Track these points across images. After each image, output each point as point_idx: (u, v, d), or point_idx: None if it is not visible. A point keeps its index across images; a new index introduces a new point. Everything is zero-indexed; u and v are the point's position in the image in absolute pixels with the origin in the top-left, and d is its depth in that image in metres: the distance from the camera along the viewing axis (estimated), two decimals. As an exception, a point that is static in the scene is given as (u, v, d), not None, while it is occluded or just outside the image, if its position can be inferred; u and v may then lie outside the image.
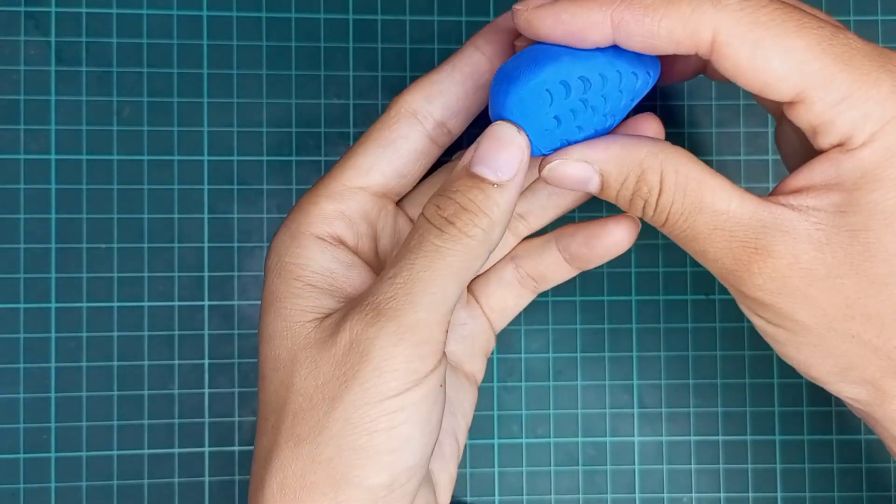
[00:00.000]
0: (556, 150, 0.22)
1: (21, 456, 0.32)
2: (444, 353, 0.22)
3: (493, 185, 0.21)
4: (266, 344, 0.23)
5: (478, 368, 0.28)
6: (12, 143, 0.32)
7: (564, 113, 0.22)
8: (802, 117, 0.21)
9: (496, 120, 0.22)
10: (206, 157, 0.32)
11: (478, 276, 0.29)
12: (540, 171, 0.23)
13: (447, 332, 0.22)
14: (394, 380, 0.21)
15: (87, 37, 0.32)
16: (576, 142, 0.22)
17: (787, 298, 0.21)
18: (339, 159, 0.24)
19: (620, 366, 0.33)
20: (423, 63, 0.33)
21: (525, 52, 0.22)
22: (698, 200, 0.21)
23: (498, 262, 0.29)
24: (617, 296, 0.33)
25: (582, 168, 0.22)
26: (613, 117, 0.23)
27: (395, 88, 0.33)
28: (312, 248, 0.23)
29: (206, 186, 0.32)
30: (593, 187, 0.22)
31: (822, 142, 0.21)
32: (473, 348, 0.28)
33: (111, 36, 0.32)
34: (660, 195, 0.21)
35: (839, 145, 0.21)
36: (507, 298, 0.29)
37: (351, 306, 0.22)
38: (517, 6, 0.22)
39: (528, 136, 0.22)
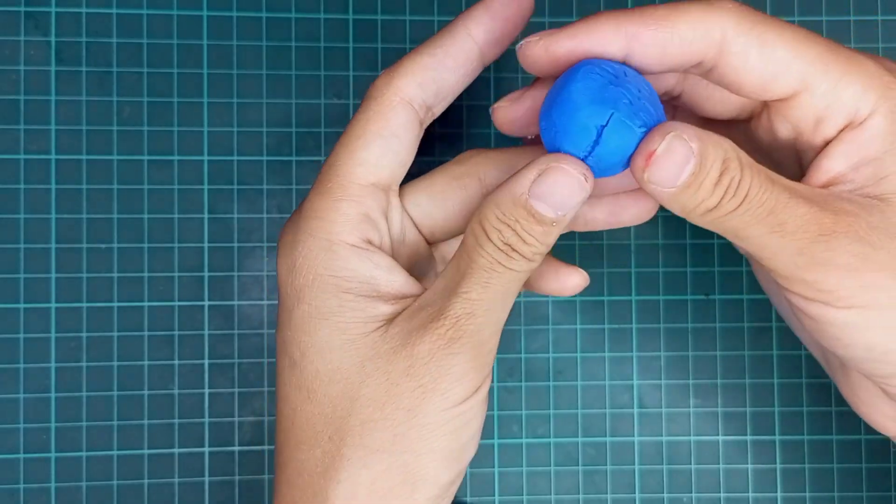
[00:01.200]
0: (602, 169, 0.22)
1: (21, 456, 0.32)
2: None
3: (553, 223, 0.21)
4: (318, 359, 0.22)
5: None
6: (12, 143, 0.32)
7: (616, 131, 0.21)
8: (806, 107, 0.22)
9: (552, 150, 0.21)
10: (206, 157, 0.32)
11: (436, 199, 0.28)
12: (647, 162, 0.21)
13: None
14: (467, 388, 0.22)
15: (87, 37, 0.32)
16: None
17: (873, 265, 0.21)
18: (334, 152, 0.23)
19: (620, 366, 0.33)
20: (423, 63, 0.33)
21: (569, 78, 0.22)
22: (768, 175, 0.21)
23: (456, 178, 0.27)
24: (617, 296, 0.33)
25: (684, 146, 0.20)
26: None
27: (395, 88, 0.33)
28: (351, 259, 0.22)
29: (206, 186, 0.32)
30: (689, 170, 0.21)
31: (829, 128, 0.22)
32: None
33: (111, 36, 0.32)
34: (742, 171, 0.21)
35: (846, 126, 0.22)
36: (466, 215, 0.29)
37: (420, 318, 0.22)
38: (528, 38, 0.22)
39: (588, 166, 0.21)
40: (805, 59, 0.21)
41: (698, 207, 0.21)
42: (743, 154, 0.21)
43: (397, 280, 0.23)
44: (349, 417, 0.22)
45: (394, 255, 0.25)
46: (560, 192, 0.21)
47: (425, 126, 0.25)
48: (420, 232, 0.26)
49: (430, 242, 0.26)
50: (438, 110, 0.24)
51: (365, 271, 0.23)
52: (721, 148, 0.20)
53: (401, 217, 0.25)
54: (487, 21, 0.24)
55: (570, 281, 0.25)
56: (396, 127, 0.23)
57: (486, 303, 0.22)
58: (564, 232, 0.24)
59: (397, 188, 0.25)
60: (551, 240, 0.22)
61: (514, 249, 0.21)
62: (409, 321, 0.22)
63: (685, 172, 0.20)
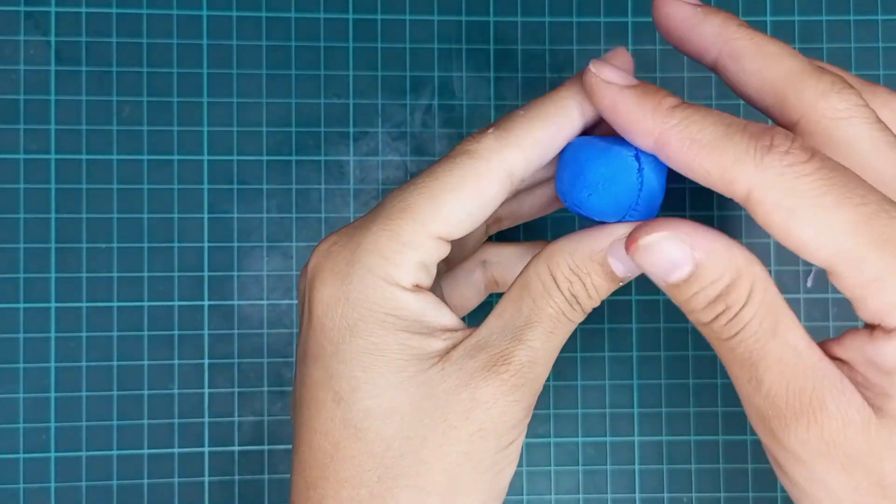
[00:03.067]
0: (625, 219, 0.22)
1: (21, 456, 0.31)
2: None
3: (621, 282, 0.22)
4: (371, 395, 0.22)
5: None
6: (12, 143, 0.32)
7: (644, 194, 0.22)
8: (836, 284, 0.20)
9: (570, 201, 0.22)
10: (205, 157, 0.32)
11: (446, 275, 0.29)
12: (630, 246, 0.21)
13: None
14: (517, 433, 0.22)
15: (87, 36, 0.32)
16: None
17: (826, 462, 0.20)
18: (416, 191, 0.22)
19: (620, 366, 0.33)
20: (424, 63, 0.33)
21: (585, 140, 0.22)
22: (775, 325, 0.20)
23: (467, 262, 0.29)
24: (617, 296, 0.33)
25: (680, 251, 0.20)
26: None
27: (395, 88, 0.33)
28: (405, 298, 0.22)
29: (206, 186, 0.32)
30: (678, 275, 0.20)
31: (860, 314, 0.20)
32: None
33: (111, 36, 0.32)
34: (744, 307, 0.20)
35: (874, 326, 0.20)
36: (471, 298, 0.29)
37: (481, 359, 0.22)
38: (592, 65, 0.22)
39: (605, 219, 0.22)
40: (836, 248, 0.19)
41: (690, 314, 0.21)
42: (761, 278, 0.20)
43: (445, 316, 0.23)
44: (402, 458, 0.21)
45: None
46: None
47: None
48: None
49: None
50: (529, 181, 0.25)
51: (418, 309, 0.22)
52: (732, 263, 0.20)
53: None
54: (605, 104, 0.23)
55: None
56: (490, 199, 0.22)
57: (548, 352, 0.22)
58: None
59: None
60: (607, 295, 0.22)
61: (578, 302, 0.22)
62: (468, 360, 0.22)
63: (674, 276, 0.20)
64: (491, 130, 0.22)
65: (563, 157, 0.23)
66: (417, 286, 0.22)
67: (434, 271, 0.23)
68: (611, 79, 0.21)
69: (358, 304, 0.22)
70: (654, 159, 0.21)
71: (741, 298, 0.20)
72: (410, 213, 0.22)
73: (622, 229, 0.21)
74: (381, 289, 0.22)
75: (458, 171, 0.22)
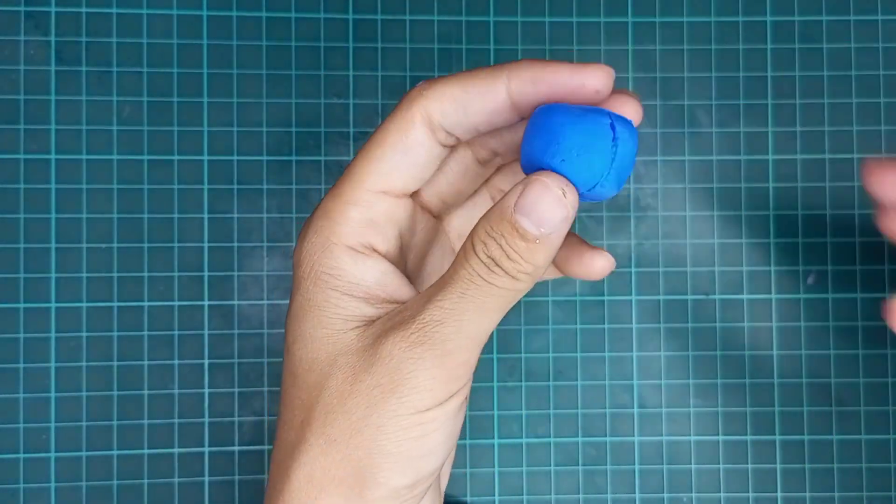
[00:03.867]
0: (594, 189, 0.22)
1: (21, 456, 0.31)
2: (472, 373, 0.23)
3: (536, 239, 0.21)
4: (302, 347, 0.24)
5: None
6: (12, 143, 0.32)
7: (614, 158, 0.22)
8: None
9: (538, 167, 0.22)
10: (205, 157, 0.32)
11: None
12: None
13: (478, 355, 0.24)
14: (430, 398, 0.22)
15: (87, 37, 0.32)
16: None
17: None
18: (356, 157, 0.24)
19: (620, 366, 0.33)
20: (424, 63, 0.33)
21: (558, 106, 0.22)
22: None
23: (476, 192, 0.29)
24: (617, 296, 0.33)
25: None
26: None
27: (395, 88, 0.33)
28: (346, 260, 0.23)
29: (206, 186, 0.32)
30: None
31: None
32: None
33: (111, 36, 0.32)
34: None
35: None
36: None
37: (395, 321, 0.23)
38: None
39: (576, 187, 0.21)
40: None
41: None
42: None
43: (390, 285, 0.24)
44: (316, 405, 0.23)
45: (406, 260, 0.26)
46: (542, 209, 0.21)
47: (452, 147, 0.25)
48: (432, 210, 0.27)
49: (436, 215, 0.27)
50: (464, 138, 0.25)
51: (357, 272, 0.23)
52: None
53: (413, 217, 0.26)
54: (528, 84, 0.24)
55: (596, 264, 0.26)
56: (413, 143, 0.24)
57: (457, 313, 0.22)
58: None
59: (412, 192, 0.25)
60: (538, 260, 0.22)
61: (497, 264, 0.22)
62: (385, 323, 0.23)
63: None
64: (420, 84, 0.24)
65: (534, 122, 0.23)
66: (371, 248, 0.24)
67: (393, 233, 0.24)
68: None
69: (303, 264, 0.24)
70: (629, 128, 0.22)
71: None
72: (349, 173, 0.24)
73: (519, 188, 0.21)
74: (323, 248, 0.23)
75: (385, 127, 0.24)
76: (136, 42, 0.32)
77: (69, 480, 0.32)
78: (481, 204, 0.28)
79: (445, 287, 0.22)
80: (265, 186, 0.32)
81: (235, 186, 0.32)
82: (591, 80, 0.23)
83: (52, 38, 0.32)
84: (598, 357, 0.33)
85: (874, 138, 0.33)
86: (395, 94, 0.33)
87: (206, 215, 0.32)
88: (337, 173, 0.32)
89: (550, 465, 0.33)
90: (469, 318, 0.22)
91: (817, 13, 0.33)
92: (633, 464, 0.33)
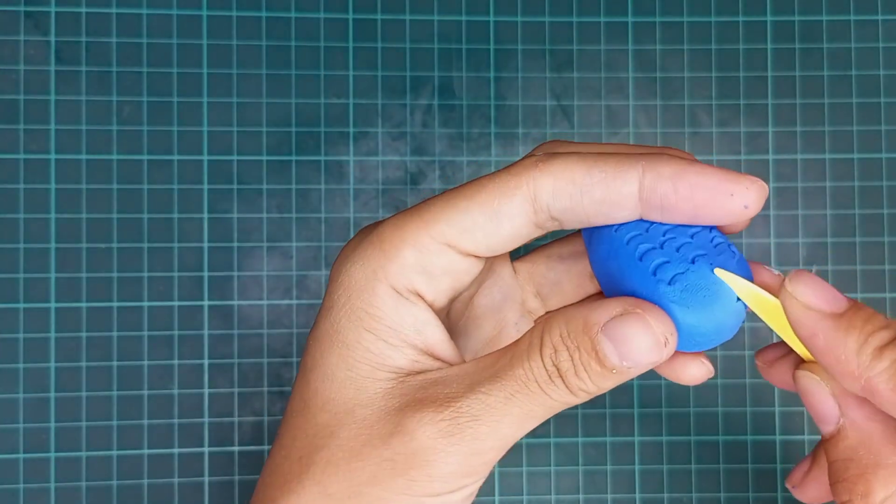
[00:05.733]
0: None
1: (21, 456, 0.31)
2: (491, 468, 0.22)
3: (613, 369, 0.19)
4: (321, 380, 0.21)
5: None
6: (12, 143, 0.32)
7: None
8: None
9: (639, 286, 0.19)
10: (205, 157, 0.32)
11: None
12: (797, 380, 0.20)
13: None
14: (441, 487, 0.20)
15: (87, 37, 0.32)
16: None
17: None
18: (438, 197, 0.21)
19: (620, 366, 0.33)
20: (424, 63, 0.33)
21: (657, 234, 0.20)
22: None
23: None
24: (617, 296, 0.33)
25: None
26: None
27: (395, 88, 0.33)
28: (388, 301, 0.21)
29: (206, 186, 0.32)
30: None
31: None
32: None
33: (111, 36, 0.32)
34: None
35: None
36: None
37: (428, 393, 0.20)
38: (788, 281, 0.20)
39: (678, 332, 0.19)
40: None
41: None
42: None
43: (431, 337, 0.21)
44: (320, 451, 0.21)
45: (450, 319, 0.24)
46: (634, 347, 0.18)
47: (549, 229, 0.22)
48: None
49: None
50: (568, 226, 0.22)
51: (396, 318, 0.21)
52: None
53: (482, 274, 0.23)
54: (666, 181, 0.20)
55: (688, 371, 0.22)
56: (505, 214, 0.21)
57: (499, 414, 0.19)
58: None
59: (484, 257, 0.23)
60: (607, 386, 0.19)
61: (560, 376, 0.19)
62: (418, 388, 0.21)
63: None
64: (538, 154, 0.21)
65: (640, 224, 0.20)
66: (417, 294, 0.21)
67: (446, 285, 0.22)
68: (811, 303, 0.19)
69: (341, 286, 0.21)
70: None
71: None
72: (421, 210, 0.21)
73: (617, 308, 0.19)
74: (367, 281, 0.21)
75: (483, 181, 0.21)
76: (136, 42, 0.32)
77: (69, 480, 0.32)
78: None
79: (495, 380, 0.20)
80: (265, 186, 0.32)
81: (235, 186, 0.32)
82: (742, 194, 0.19)
83: (52, 38, 0.32)
84: (598, 357, 0.33)
85: (874, 138, 0.33)
86: (396, 94, 0.33)
87: (205, 215, 0.32)
88: (337, 173, 0.32)
89: (550, 465, 0.33)
90: (510, 421, 0.20)
91: (817, 13, 0.33)
92: (633, 464, 0.33)
